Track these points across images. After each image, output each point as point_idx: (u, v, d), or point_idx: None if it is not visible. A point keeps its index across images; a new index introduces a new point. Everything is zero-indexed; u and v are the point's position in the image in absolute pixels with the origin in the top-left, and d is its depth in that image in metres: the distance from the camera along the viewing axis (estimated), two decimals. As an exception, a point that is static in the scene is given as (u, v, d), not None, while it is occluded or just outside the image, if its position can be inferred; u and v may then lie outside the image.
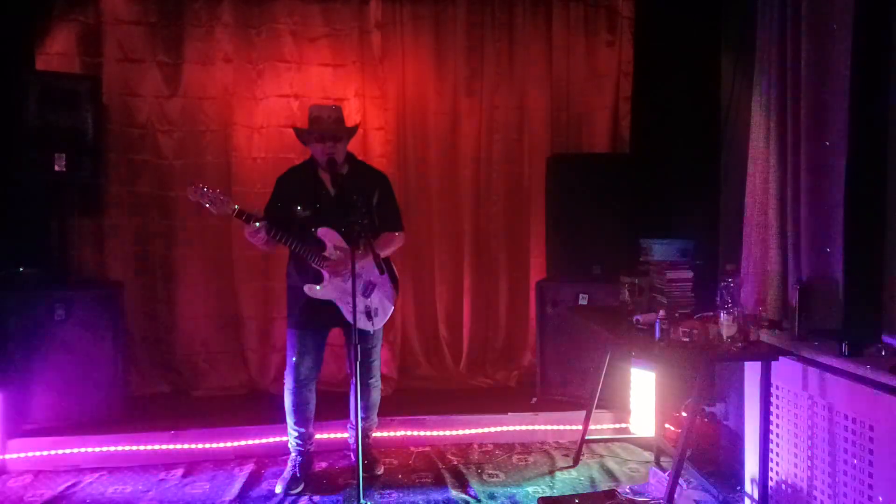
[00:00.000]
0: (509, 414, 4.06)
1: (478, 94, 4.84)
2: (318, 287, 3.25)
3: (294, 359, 3.33)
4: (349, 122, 3.51)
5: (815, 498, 2.66)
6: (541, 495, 3.26)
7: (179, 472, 3.57)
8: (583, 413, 3.73)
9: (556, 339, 4.30)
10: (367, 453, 3.54)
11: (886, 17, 2.63)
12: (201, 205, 3.09)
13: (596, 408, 3.71)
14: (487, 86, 4.84)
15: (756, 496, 2.90)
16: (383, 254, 3.35)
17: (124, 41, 4.42)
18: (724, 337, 2.75)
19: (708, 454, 3.65)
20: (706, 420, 3.72)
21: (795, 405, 2.80)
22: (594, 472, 3.56)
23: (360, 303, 3.24)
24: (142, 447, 3.67)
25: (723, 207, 3.97)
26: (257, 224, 3.09)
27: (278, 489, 3.31)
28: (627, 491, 3.27)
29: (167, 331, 4.59)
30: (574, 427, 3.91)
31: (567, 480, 3.48)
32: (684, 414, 3.83)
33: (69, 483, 3.43)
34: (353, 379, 2.98)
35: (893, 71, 2.64)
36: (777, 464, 2.92)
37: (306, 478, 3.40)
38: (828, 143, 2.84)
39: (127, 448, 3.66)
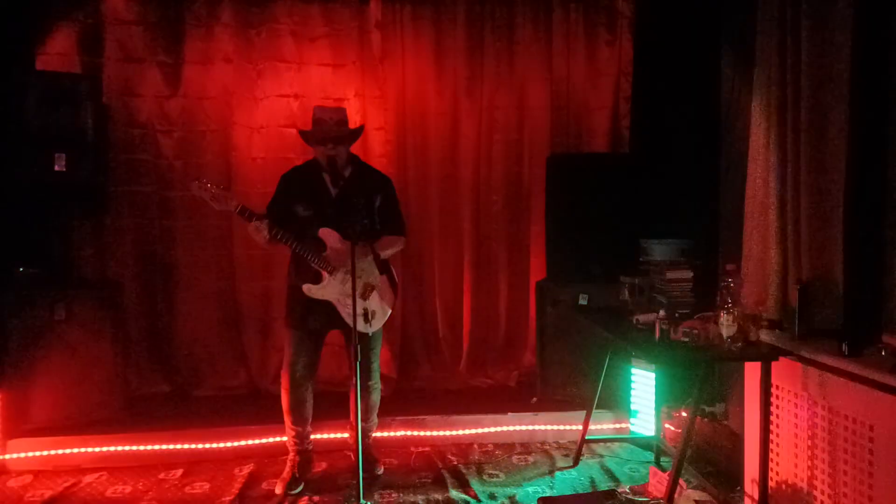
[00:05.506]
0: (509, 414, 4.06)
1: (478, 94, 4.83)
2: (316, 287, 3.24)
3: (290, 358, 3.33)
4: (351, 124, 3.49)
5: (815, 498, 2.66)
6: (541, 495, 3.26)
7: (179, 472, 3.57)
8: (583, 413, 3.74)
9: (556, 339, 4.30)
10: (367, 453, 3.53)
11: (887, 17, 2.63)
12: (204, 200, 3.10)
13: (596, 408, 3.72)
14: (487, 86, 4.83)
15: (756, 496, 2.89)
16: (383, 255, 3.34)
17: (124, 41, 4.42)
18: (724, 337, 2.75)
19: (708, 454, 3.65)
20: (706, 420, 3.72)
21: (795, 405, 2.80)
22: (594, 472, 3.56)
23: (358, 305, 3.23)
24: (142, 447, 3.67)
25: (723, 207, 3.97)
26: (258, 223, 3.09)
27: (278, 489, 3.31)
28: (627, 491, 3.27)
29: (167, 331, 4.59)
30: (574, 427, 3.91)
31: (567, 480, 3.48)
32: (684, 414, 3.83)
33: (69, 483, 3.43)
34: (354, 379, 2.98)
35: (893, 70, 2.64)
36: (777, 464, 2.92)
37: (306, 478, 3.40)
38: (827, 144, 2.84)
39: (127, 448, 3.66)
